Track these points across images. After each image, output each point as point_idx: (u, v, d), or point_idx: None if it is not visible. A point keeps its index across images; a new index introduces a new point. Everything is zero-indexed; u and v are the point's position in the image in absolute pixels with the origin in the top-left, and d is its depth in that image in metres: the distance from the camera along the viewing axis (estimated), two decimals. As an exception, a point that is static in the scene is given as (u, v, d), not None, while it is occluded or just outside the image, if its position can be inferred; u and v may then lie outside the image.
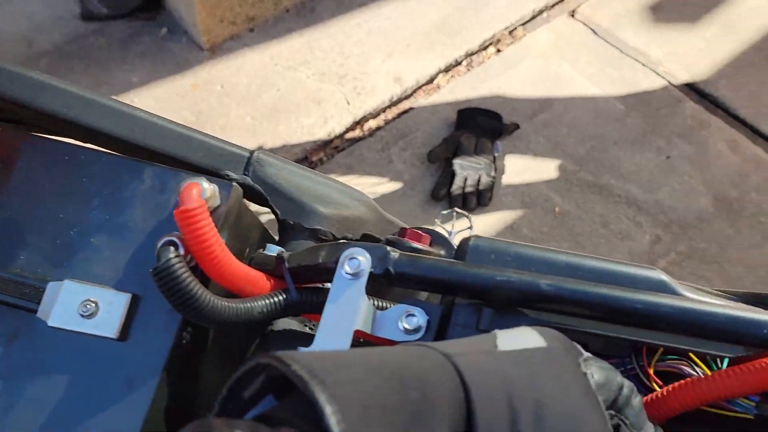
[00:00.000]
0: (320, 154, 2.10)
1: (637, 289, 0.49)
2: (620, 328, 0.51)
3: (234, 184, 0.54)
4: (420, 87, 2.27)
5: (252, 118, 2.14)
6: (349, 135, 2.15)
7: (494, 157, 2.07)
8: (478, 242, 0.54)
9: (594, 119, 2.20)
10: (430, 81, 2.29)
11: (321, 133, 2.12)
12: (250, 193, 0.62)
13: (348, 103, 2.19)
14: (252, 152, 0.63)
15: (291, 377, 0.32)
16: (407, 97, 2.25)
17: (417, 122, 2.19)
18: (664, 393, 0.53)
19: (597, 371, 0.44)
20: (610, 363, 0.60)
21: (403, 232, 0.62)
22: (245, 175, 0.62)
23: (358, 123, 2.17)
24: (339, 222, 0.63)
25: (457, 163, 2.03)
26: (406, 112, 2.22)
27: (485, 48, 2.38)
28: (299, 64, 2.27)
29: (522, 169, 2.09)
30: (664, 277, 0.52)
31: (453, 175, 2.01)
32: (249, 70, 2.24)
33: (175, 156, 0.61)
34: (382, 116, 2.21)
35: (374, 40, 2.35)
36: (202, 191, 0.50)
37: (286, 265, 0.53)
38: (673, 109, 2.23)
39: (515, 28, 2.44)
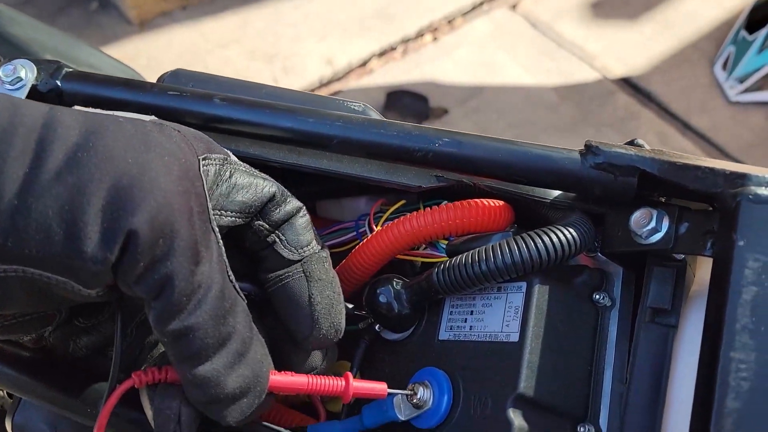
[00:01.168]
0: (242, 130, 2.06)
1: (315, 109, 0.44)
2: (314, 159, 0.47)
3: None
4: (352, 70, 2.24)
5: (175, 91, 2.10)
6: (274, 113, 2.12)
7: (419, 139, 2.04)
8: (178, 71, 0.50)
9: (525, 107, 2.18)
10: (363, 64, 2.26)
11: (244, 109, 2.09)
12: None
13: (275, 81, 2.16)
14: (-13, 1, 0.59)
15: None
16: (338, 79, 2.22)
17: (345, 104, 2.16)
18: (368, 238, 0.49)
19: (241, 175, 0.40)
20: (346, 225, 0.56)
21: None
22: (-26, 23, 0.57)
23: (285, 102, 2.14)
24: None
25: (379, 143, 1.99)
26: (335, 93, 2.19)
27: (422, 35, 2.36)
28: (230, 42, 2.24)
29: (447, 152, 2.06)
30: (371, 111, 0.48)
31: (374, 154, 1.98)
32: (177, 46, 2.21)
33: None
34: (311, 96, 2.17)
35: (310, 22, 2.33)
36: None
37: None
38: (606, 101, 2.21)
39: (454, 18, 2.42)
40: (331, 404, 0.50)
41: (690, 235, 0.39)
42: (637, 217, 0.41)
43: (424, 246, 0.51)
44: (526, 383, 0.39)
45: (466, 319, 0.44)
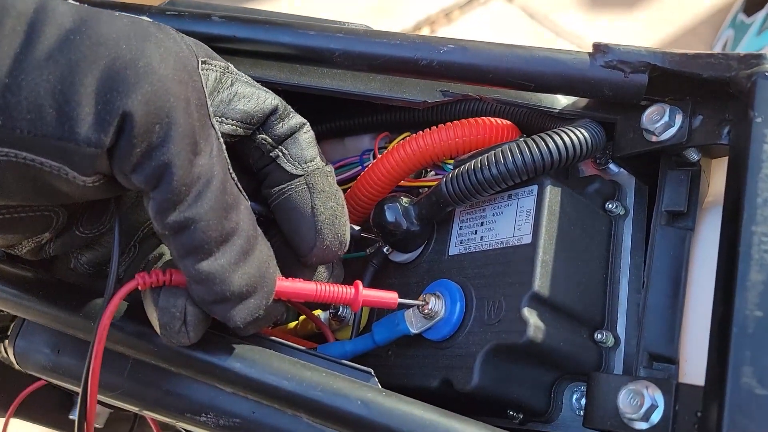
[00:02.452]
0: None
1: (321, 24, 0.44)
2: (316, 79, 0.46)
3: None
4: (351, 64, 2.24)
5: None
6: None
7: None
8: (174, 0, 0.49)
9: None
10: (362, 58, 2.26)
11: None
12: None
13: (275, 76, 2.16)
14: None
15: None
16: (337, 73, 2.22)
17: (345, 97, 2.15)
18: (375, 161, 0.48)
19: (243, 85, 0.39)
20: (351, 160, 0.55)
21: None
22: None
23: (284, 96, 2.14)
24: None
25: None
26: (335, 87, 2.18)
27: (419, 28, 2.37)
28: (228, 40, 2.24)
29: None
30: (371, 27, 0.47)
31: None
32: (176, 44, 2.21)
33: None
34: (310, 91, 2.17)
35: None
36: None
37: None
38: (606, 87, 2.20)
39: (451, 11, 2.43)
40: (340, 333, 0.48)
41: (705, 127, 0.38)
42: (650, 112, 0.40)
43: (432, 172, 0.51)
44: (540, 281, 0.38)
45: (476, 231, 0.43)
